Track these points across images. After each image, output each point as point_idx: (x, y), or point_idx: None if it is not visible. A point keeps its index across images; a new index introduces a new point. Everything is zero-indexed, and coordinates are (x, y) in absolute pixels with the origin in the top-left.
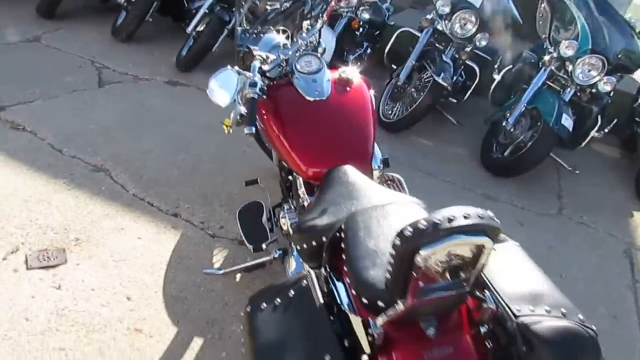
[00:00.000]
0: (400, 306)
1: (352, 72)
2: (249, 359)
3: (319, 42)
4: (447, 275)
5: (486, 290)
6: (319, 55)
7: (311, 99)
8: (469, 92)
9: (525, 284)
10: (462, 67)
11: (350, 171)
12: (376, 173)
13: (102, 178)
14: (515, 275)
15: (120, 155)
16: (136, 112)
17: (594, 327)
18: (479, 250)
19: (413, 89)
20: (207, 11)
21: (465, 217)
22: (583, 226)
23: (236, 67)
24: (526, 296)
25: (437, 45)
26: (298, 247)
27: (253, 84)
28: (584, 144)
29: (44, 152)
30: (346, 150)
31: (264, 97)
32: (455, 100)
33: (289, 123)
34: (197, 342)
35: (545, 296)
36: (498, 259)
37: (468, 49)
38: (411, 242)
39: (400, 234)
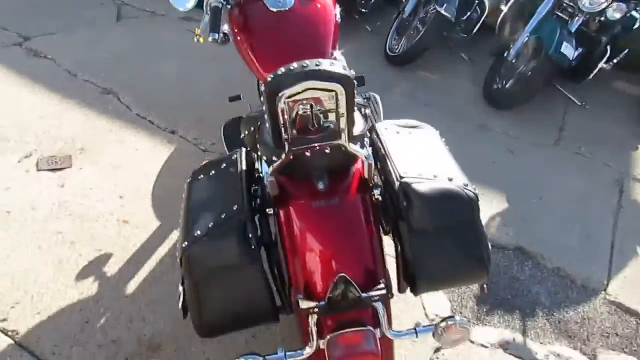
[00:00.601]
0: (282, 156)
1: None
2: (182, 217)
3: None
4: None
5: (382, 157)
6: None
7: (274, 9)
8: (477, 26)
9: (425, 158)
10: (475, 1)
11: None
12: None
13: (110, 99)
14: (417, 151)
15: (129, 80)
16: (148, 44)
17: (476, 192)
18: (336, 98)
19: (418, 22)
20: None
21: (316, 65)
22: (578, 156)
23: None
24: (420, 165)
25: None
26: (242, 135)
27: None
28: (591, 76)
29: (60, 77)
30: (301, 56)
31: (228, 6)
32: (464, 35)
33: (253, 33)
34: (176, 234)
35: (439, 168)
36: (409, 137)
37: None
38: (272, 85)
39: (265, 81)
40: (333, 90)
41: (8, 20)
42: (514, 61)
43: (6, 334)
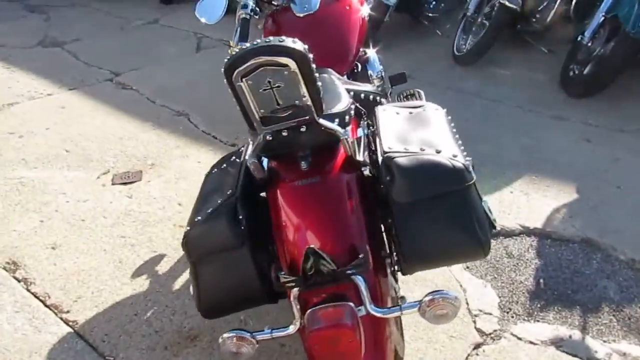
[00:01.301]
0: (256, 138)
1: None
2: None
3: None
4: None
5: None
6: None
7: (301, 14)
8: (551, 15)
9: (418, 134)
10: None
11: (324, 72)
12: (376, 82)
13: (181, 120)
14: (412, 128)
15: (200, 102)
16: (220, 70)
17: (464, 162)
18: (293, 73)
19: (483, 18)
20: None
21: (266, 41)
22: None
23: None
24: (409, 141)
25: None
26: None
27: (244, 6)
28: None
29: (141, 103)
30: (326, 56)
31: (256, 16)
32: (538, 26)
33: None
34: None
35: (431, 142)
36: (408, 116)
37: None
38: (227, 67)
39: (224, 63)
40: (286, 65)
41: (104, 60)
42: (590, 44)
43: (67, 324)
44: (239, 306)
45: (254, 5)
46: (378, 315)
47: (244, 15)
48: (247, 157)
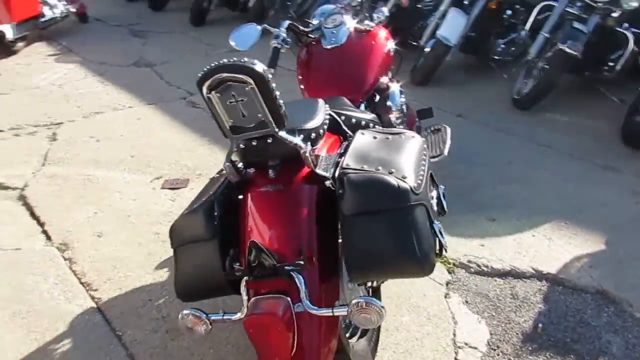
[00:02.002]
0: (231, 145)
1: (372, 25)
2: None
3: (372, 9)
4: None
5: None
6: (342, 11)
7: (329, 46)
8: (621, 62)
9: (382, 156)
10: (611, 35)
11: (334, 100)
12: (395, 113)
13: None
14: (379, 150)
15: None
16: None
17: (412, 184)
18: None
19: (545, 63)
20: None
21: (230, 60)
22: None
23: (265, 25)
24: (369, 161)
25: (576, 14)
26: None
27: (276, 37)
28: None
29: (204, 121)
30: (342, 84)
31: (287, 46)
32: (607, 74)
33: (308, 67)
34: None
35: (390, 164)
36: (382, 141)
37: (615, 14)
38: (200, 79)
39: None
40: (245, 82)
41: (183, 81)
42: None
43: (93, 299)
44: (207, 294)
45: (285, 36)
46: (312, 312)
47: (275, 45)
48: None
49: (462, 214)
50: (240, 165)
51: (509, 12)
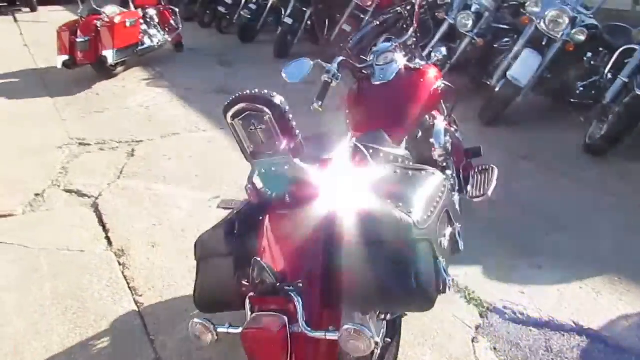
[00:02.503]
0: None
1: (422, 63)
2: None
3: (425, 47)
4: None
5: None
6: (395, 49)
7: (376, 83)
8: None
9: (397, 189)
10: None
11: (372, 134)
12: (438, 151)
13: None
14: (398, 184)
15: None
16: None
17: (417, 219)
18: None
19: (621, 108)
20: None
21: (252, 91)
22: None
23: (318, 60)
24: (382, 192)
25: None
26: None
27: (327, 71)
28: None
29: None
30: (385, 120)
31: (337, 81)
32: None
33: (355, 101)
34: None
35: (400, 197)
36: (400, 175)
37: None
38: (225, 108)
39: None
40: (264, 112)
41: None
42: None
43: (136, 304)
44: (221, 307)
45: (336, 72)
46: (306, 333)
47: (325, 79)
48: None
49: (506, 258)
50: (262, 187)
51: (589, 54)
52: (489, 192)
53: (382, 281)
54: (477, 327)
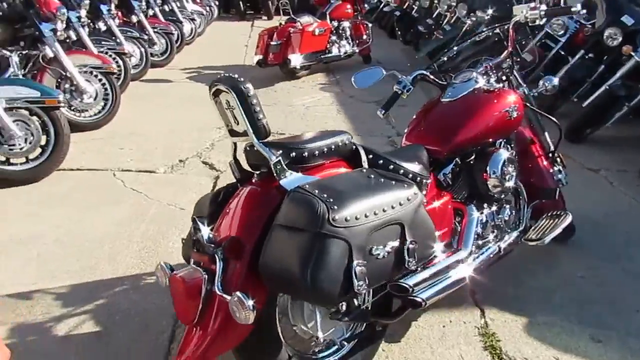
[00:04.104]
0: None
1: (498, 86)
2: None
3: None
4: None
5: None
6: (476, 73)
7: (445, 99)
8: None
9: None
10: None
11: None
12: (492, 181)
13: None
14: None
15: None
16: None
17: (335, 215)
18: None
19: None
20: None
21: (224, 74)
22: None
23: (393, 71)
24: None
25: None
26: None
27: (399, 82)
28: None
29: None
30: (431, 135)
31: (408, 93)
32: None
33: (421, 113)
34: None
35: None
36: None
37: None
38: (209, 87)
39: None
40: (228, 93)
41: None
42: None
43: None
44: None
45: (408, 84)
46: (216, 292)
47: (396, 89)
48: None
49: (566, 322)
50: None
51: None
52: (547, 240)
53: (286, 266)
54: None
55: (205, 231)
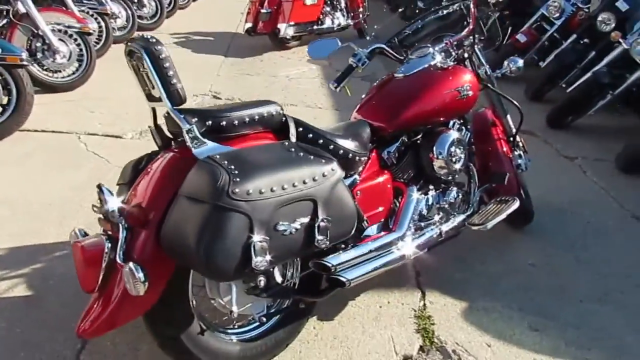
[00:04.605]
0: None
1: (450, 64)
2: None
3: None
4: None
5: None
6: (433, 49)
7: (397, 76)
8: None
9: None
10: None
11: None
12: (438, 161)
13: None
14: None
15: None
16: None
17: (236, 187)
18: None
19: None
20: None
21: (140, 35)
22: None
23: (350, 43)
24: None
25: None
26: None
27: (354, 55)
28: None
29: None
30: (379, 112)
31: (363, 67)
32: None
33: (375, 88)
34: None
35: (247, 167)
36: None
37: None
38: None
39: None
40: (140, 53)
41: None
42: None
43: None
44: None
45: (364, 58)
46: (116, 260)
47: (350, 62)
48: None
49: (507, 308)
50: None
51: None
52: (489, 225)
53: (183, 238)
54: (405, 358)
55: (110, 199)
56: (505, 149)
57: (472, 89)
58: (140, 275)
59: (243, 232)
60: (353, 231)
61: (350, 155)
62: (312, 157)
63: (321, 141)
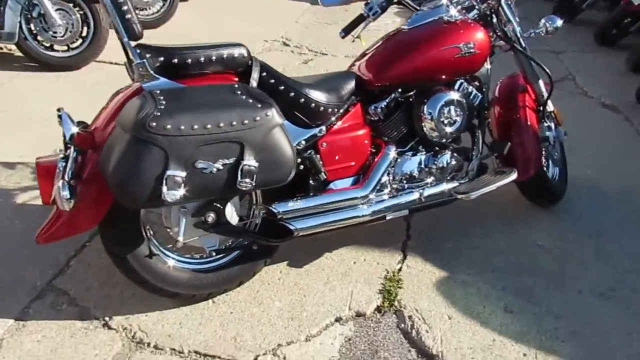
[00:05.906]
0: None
1: (459, 17)
2: None
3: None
4: None
5: None
6: (448, 1)
7: (403, 28)
8: None
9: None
10: None
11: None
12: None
13: None
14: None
15: None
16: None
17: (154, 122)
18: None
19: None
20: None
21: None
22: None
23: None
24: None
25: None
26: None
27: (366, 4)
28: None
29: None
30: (371, 65)
31: (373, 16)
32: None
33: (380, 40)
34: None
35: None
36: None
37: None
38: None
39: None
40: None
41: None
42: None
43: None
44: None
45: (377, 9)
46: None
47: (362, 12)
48: None
49: (488, 285)
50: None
51: None
52: (472, 195)
53: (107, 163)
54: (357, 315)
55: (67, 124)
56: (531, 119)
57: (479, 47)
58: (66, 193)
59: (157, 164)
60: (289, 179)
61: (314, 105)
62: (250, 101)
63: (282, 87)
